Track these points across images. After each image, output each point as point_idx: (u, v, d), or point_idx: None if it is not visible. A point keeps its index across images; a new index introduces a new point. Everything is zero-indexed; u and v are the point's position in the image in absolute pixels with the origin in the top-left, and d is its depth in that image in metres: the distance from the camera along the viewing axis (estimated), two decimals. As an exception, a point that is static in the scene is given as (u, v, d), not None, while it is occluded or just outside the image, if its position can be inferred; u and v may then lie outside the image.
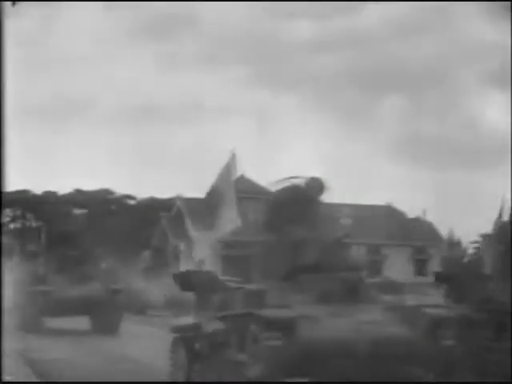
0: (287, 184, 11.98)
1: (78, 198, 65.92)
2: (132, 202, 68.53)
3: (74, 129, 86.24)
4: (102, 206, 64.48)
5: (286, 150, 78.09)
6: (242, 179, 57.38)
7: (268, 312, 9.90)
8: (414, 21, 75.99)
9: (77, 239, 25.72)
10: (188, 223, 51.25)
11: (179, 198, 53.94)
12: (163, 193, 62.96)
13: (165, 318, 29.54)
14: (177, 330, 12.89)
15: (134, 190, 69.00)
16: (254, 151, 78.04)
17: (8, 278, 33.09)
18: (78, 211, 65.97)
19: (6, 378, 12.26)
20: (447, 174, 75.85)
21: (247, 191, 55.53)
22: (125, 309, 24.08)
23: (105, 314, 22.61)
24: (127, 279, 27.12)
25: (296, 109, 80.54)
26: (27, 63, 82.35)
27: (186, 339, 12.39)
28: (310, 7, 79.61)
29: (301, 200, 11.73)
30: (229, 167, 16.68)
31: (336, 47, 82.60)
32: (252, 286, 11.41)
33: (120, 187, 67.53)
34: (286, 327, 9.64)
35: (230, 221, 15.77)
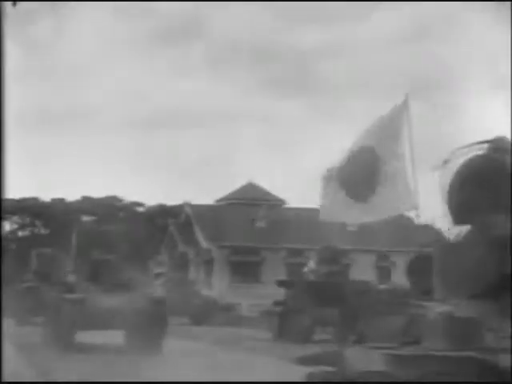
0: (473, 153, 7.55)
1: (87, 205, 66.03)
2: (140, 209, 68.67)
3: (83, 135, 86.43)
4: (110, 213, 64.62)
5: (294, 155, 78.28)
6: (249, 185, 57.66)
7: None
8: (421, 27, 76.08)
9: (112, 242, 22.51)
10: (197, 230, 51.39)
11: (187, 204, 54.03)
12: (172, 199, 63.17)
13: (196, 329, 27.08)
14: (310, 361, 8.62)
15: (143, 196, 69.12)
16: (261, 157, 78.33)
17: (28, 285, 31.02)
18: (86, 218, 66.09)
19: None
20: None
21: (254, 197, 55.67)
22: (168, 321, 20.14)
23: (147, 328, 18.84)
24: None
25: (303, 115, 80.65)
26: (36, 69, 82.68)
27: (327, 377, 8.01)
28: (317, 13, 79.74)
29: (502, 174, 7.41)
30: (399, 115, 10.74)
31: (346, 54, 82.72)
32: (445, 308, 7.01)
33: (128, 194, 67.70)
34: None
35: (404, 196, 10.09)
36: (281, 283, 25.52)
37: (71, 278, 20.39)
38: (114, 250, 21.72)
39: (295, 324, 22.51)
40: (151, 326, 18.82)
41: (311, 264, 24.34)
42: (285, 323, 23.02)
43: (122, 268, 20.36)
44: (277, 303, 24.35)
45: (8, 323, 26.46)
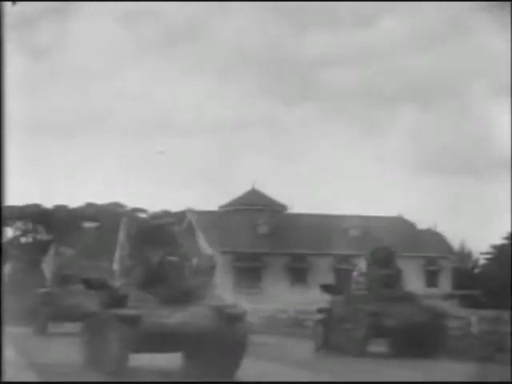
0: None
1: (90, 211, 66.10)
2: (143, 216, 68.69)
3: (86, 142, 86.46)
4: (112, 220, 64.65)
5: (299, 161, 78.31)
6: (252, 191, 57.68)
7: None
8: (428, 34, 76.08)
9: (175, 238, 16.64)
10: (200, 236, 51.40)
11: (190, 210, 54.05)
12: (175, 205, 63.17)
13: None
14: None
15: (146, 202, 69.10)
16: (264, 163, 78.33)
17: (46, 290, 27.60)
18: (88, 224, 66.15)
19: None
20: (458, 185, 75.78)
21: (257, 203, 55.71)
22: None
23: (220, 351, 14.77)
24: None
25: (309, 121, 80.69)
26: (41, 76, 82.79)
27: None
28: (322, 19, 79.83)
29: None
30: None
31: (350, 60, 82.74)
32: None
33: (131, 200, 67.76)
34: None
35: None
36: (326, 288, 22.06)
37: (118, 285, 15.60)
38: (176, 251, 16.53)
39: (347, 334, 20.01)
40: (225, 349, 14.80)
41: (360, 267, 22.15)
42: (332, 333, 20.64)
43: (185, 273, 16.04)
44: (321, 310, 21.71)
45: (23, 332, 24.68)
